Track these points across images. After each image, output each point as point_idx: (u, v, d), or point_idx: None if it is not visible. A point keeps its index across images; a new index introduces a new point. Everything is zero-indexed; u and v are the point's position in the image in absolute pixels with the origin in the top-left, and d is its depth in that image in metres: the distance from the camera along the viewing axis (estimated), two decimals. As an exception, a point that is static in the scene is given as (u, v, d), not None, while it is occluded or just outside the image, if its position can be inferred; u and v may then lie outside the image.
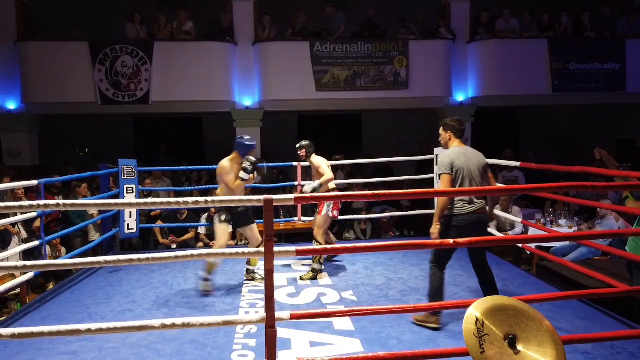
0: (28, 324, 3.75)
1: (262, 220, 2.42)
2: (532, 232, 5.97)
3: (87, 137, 11.02)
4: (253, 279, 4.84)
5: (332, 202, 4.87)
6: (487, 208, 3.72)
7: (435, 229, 3.56)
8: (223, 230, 4.49)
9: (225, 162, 4.46)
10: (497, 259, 5.54)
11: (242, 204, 2.58)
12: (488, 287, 3.71)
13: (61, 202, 2.51)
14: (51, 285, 5.72)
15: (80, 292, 4.68)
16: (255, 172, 4.49)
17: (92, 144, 11.15)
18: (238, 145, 4.49)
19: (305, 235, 7.24)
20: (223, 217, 4.48)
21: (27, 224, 5.84)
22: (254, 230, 4.71)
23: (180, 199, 2.48)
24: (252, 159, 4.42)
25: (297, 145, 5.16)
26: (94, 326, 2.35)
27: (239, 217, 4.59)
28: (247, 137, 4.54)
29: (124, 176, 6.03)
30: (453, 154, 3.62)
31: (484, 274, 3.75)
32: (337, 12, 9.30)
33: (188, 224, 6.92)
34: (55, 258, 5.92)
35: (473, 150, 3.68)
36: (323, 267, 4.93)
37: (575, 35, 9.33)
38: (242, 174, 4.36)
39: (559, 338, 1.80)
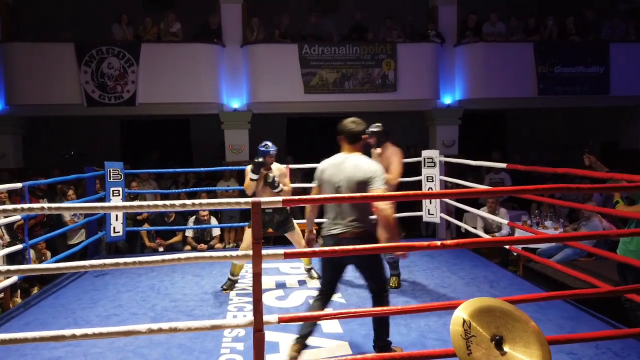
0: (11, 330, 3.69)
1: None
2: (519, 233, 6.03)
3: (73, 140, 10.89)
4: (312, 278, 4.92)
5: None
6: (363, 231, 3.01)
7: (305, 238, 3.46)
8: (248, 235, 4.57)
9: (248, 166, 4.62)
10: (484, 261, 5.59)
11: (229, 207, 2.56)
12: (377, 322, 3.11)
13: (46, 205, 2.48)
14: (35, 290, 5.64)
15: (65, 296, 4.61)
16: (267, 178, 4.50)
17: (78, 147, 11.02)
18: (257, 150, 4.58)
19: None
20: (248, 223, 4.65)
21: (10, 227, 5.75)
22: (293, 236, 4.69)
23: (168, 202, 2.46)
24: (259, 160, 4.46)
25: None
26: (79, 331, 2.32)
27: (276, 224, 4.62)
28: (264, 143, 4.58)
29: (110, 179, 5.97)
30: (325, 163, 3.15)
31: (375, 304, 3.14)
32: (324, 18, 9.32)
33: (175, 227, 6.86)
34: (40, 262, 5.83)
35: (355, 162, 3.03)
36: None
37: (561, 39, 9.47)
38: (251, 175, 4.49)
39: (545, 339, 1.82)
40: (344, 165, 3.04)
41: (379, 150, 4.44)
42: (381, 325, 3.10)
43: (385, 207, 2.88)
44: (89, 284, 4.94)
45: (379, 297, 3.12)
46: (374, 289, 3.13)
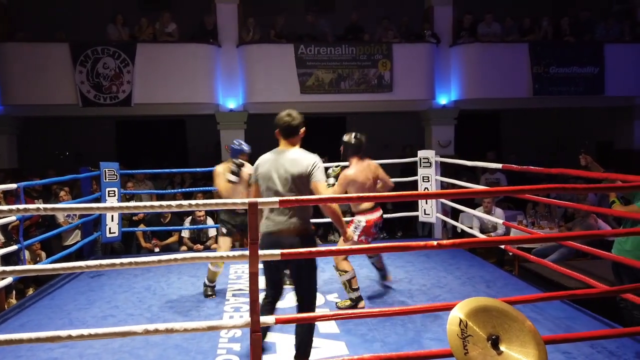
0: (6, 331, 3.67)
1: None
2: (514, 233, 6.06)
3: (68, 140, 10.84)
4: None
5: (361, 226, 4.11)
6: (303, 229, 2.89)
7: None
8: (223, 242, 4.51)
9: (218, 167, 4.53)
10: (480, 260, 5.61)
11: (225, 207, 2.56)
12: (299, 336, 2.94)
13: (41, 206, 2.47)
14: (31, 291, 5.61)
15: (60, 297, 4.60)
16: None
17: (73, 147, 10.97)
18: (230, 149, 4.56)
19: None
20: (224, 230, 4.51)
21: (4, 227, 5.72)
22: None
23: (164, 203, 2.46)
24: (238, 161, 4.43)
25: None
26: (74, 332, 2.31)
27: (244, 227, 4.46)
28: (237, 141, 4.59)
29: (105, 179, 5.95)
30: (261, 158, 3.03)
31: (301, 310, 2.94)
32: (320, 19, 9.32)
33: (171, 228, 6.85)
34: (35, 263, 5.81)
35: (292, 156, 2.92)
36: (359, 294, 4.13)
37: (555, 39, 9.50)
38: (229, 176, 4.39)
39: (541, 338, 1.83)
40: (280, 161, 2.91)
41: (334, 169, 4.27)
42: (307, 335, 2.93)
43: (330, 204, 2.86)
44: (85, 285, 4.93)
45: (308, 307, 2.90)
46: (303, 297, 2.94)
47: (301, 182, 2.87)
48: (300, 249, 2.63)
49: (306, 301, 2.94)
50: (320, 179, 2.87)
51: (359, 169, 4.10)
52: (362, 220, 4.12)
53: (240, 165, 4.43)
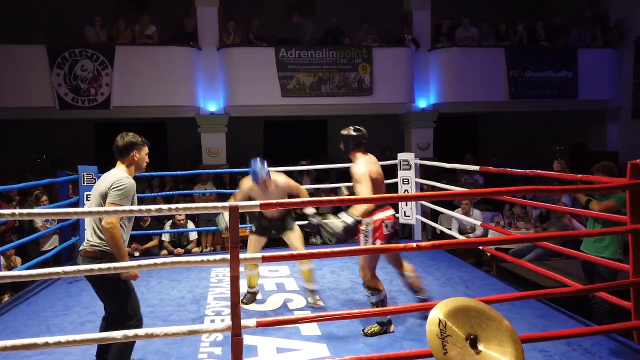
0: (-19, 339, 3.59)
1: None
2: (492, 234, 6.16)
3: (46, 143, 10.65)
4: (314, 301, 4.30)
5: (370, 229, 3.52)
6: (96, 251, 2.80)
7: None
8: (251, 240, 4.36)
9: (245, 180, 4.25)
10: (459, 261, 5.69)
11: (206, 211, 2.56)
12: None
13: (17, 211, 2.43)
14: (6, 297, 5.48)
15: (37, 303, 4.51)
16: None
17: (51, 150, 10.78)
18: (251, 174, 4.14)
19: (272, 242, 7.21)
20: (253, 228, 4.40)
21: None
22: (291, 238, 4.32)
23: (144, 207, 2.45)
24: (313, 220, 3.71)
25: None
26: (52, 339, 2.28)
27: (274, 227, 4.34)
28: (255, 164, 4.10)
29: (83, 183, 5.85)
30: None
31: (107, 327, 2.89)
32: (306, 20, 9.36)
33: (151, 231, 6.77)
34: (9, 269, 5.68)
35: (108, 175, 2.89)
36: (390, 320, 3.65)
37: (531, 44, 9.72)
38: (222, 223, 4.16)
39: (518, 337, 1.87)
40: (100, 179, 2.93)
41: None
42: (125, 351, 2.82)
43: (108, 225, 2.67)
44: (63, 291, 4.84)
45: (117, 325, 2.69)
46: (112, 314, 2.89)
47: (102, 201, 2.84)
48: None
49: (115, 319, 2.83)
50: (112, 200, 2.75)
51: (368, 160, 3.60)
52: (369, 222, 3.51)
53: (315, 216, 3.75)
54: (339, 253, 2.86)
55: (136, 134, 3.00)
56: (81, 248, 2.91)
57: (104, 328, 2.96)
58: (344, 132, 3.70)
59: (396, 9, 10.12)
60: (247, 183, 4.23)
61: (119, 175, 2.85)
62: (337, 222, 3.21)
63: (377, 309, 3.44)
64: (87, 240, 2.87)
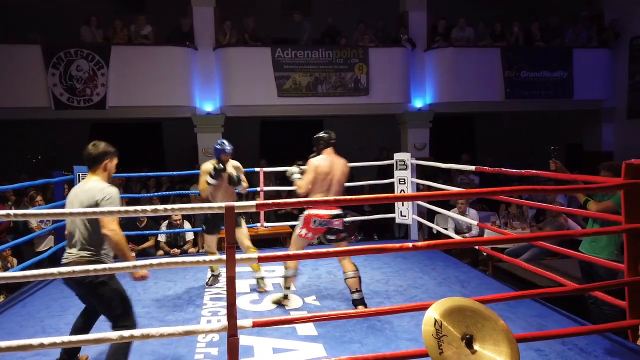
0: (-24, 340, 3.58)
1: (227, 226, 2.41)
2: (488, 234, 6.18)
3: (41, 143, 10.60)
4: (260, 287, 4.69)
5: (301, 220, 4.05)
6: (93, 262, 2.80)
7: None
8: (207, 239, 4.70)
9: (205, 164, 4.59)
10: (455, 261, 5.70)
11: (202, 211, 2.56)
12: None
13: (12, 212, 2.42)
14: (2, 298, 5.46)
15: (33, 304, 4.50)
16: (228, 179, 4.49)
17: (46, 150, 10.73)
18: (213, 149, 4.62)
19: (268, 242, 7.22)
20: (203, 227, 4.67)
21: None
22: (238, 234, 4.38)
23: (140, 207, 2.44)
24: (219, 165, 4.45)
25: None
26: (47, 340, 2.27)
27: (217, 222, 4.60)
28: (220, 141, 4.63)
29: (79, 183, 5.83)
30: (73, 189, 3.07)
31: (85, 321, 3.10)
32: (305, 20, 9.35)
33: (147, 232, 6.76)
34: (5, 269, 5.66)
35: (87, 186, 2.90)
36: (290, 289, 4.28)
37: (526, 44, 9.75)
38: (208, 179, 4.44)
39: (513, 336, 1.88)
40: (77, 191, 2.90)
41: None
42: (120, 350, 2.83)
43: (112, 232, 2.71)
44: (58, 292, 4.82)
45: (115, 326, 2.81)
46: (108, 317, 2.91)
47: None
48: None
49: (113, 321, 2.87)
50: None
51: (326, 159, 4.07)
52: (302, 215, 4.04)
53: (220, 170, 4.43)
54: (334, 253, 2.87)
55: (108, 144, 3.01)
56: (67, 261, 2.84)
57: (80, 324, 3.07)
58: (315, 135, 4.22)
59: (392, 9, 10.13)
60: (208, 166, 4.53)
61: (100, 185, 2.86)
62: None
63: (291, 280, 4.17)
64: (74, 253, 2.83)
